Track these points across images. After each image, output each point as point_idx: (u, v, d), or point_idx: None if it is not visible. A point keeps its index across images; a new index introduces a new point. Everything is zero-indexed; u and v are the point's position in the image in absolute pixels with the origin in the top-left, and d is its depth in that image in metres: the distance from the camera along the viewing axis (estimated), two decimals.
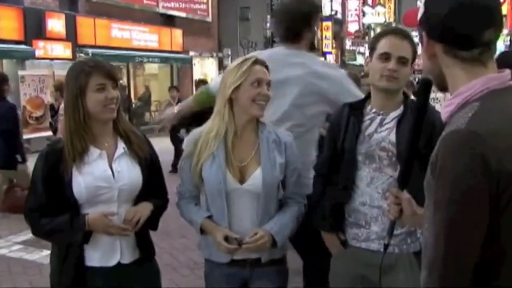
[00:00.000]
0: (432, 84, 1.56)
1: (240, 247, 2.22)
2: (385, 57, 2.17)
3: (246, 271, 2.33)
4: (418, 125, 1.74)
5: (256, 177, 2.26)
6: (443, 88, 1.40)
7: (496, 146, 1.15)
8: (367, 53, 2.28)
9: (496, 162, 1.13)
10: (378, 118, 2.26)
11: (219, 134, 2.28)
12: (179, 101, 9.64)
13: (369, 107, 2.30)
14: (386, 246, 1.88)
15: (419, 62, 1.56)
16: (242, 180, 2.27)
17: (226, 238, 2.23)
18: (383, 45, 2.19)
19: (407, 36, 2.21)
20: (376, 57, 2.20)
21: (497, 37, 1.29)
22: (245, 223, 2.28)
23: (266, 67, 2.32)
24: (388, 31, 2.31)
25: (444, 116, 1.32)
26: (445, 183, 1.17)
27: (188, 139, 2.39)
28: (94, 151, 2.20)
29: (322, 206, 2.37)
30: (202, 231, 2.34)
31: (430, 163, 1.23)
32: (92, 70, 2.15)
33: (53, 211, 2.16)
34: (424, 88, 1.67)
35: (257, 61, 2.29)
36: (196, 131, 2.38)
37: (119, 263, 2.23)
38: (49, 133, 9.90)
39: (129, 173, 2.24)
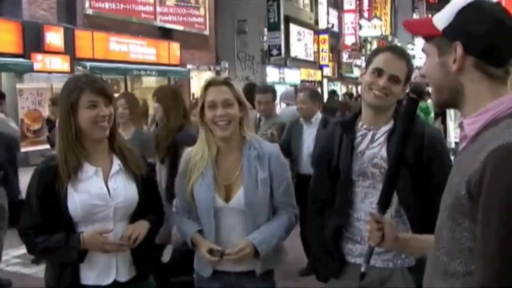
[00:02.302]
0: (419, 103, 1.55)
1: (222, 258, 2.26)
2: (378, 72, 2.15)
3: (231, 282, 2.36)
4: (402, 148, 1.74)
5: (239, 196, 2.30)
6: (446, 106, 1.41)
7: None
8: (363, 66, 2.28)
9: None
10: (369, 134, 2.24)
11: (204, 156, 2.33)
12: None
13: (360, 124, 2.28)
14: (363, 275, 1.82)
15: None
16: (227, 199, 2.31)
17: (211, 251, 2.27)
18: (378, 61, 2.17)
19: (404, 56, 2.19)
20: (370, 71, 2.18)
21: None
22: (233, 239, 2.30)
23: (227, 84, 2.33)
24: (387, 47, 2.31)
25: (470, 133, 1.31)
26: (499, 195, 1.15)
27: (182, 158, 2.45)
28: (89, 168, 2.16)
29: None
30: (193, 244, 2.38)
31: (466, 182, 1.21)
32: (84, 86, 2.11)
33: (49, 229, 2.12)
34: (411, 109, 1.68)
35: (210, 83, 2.33)
36: (188, 150, 2.45)
37: (115, 281, 2.21)
38: (47, 146, 9.91)
39: (125, 190, 2.22)
